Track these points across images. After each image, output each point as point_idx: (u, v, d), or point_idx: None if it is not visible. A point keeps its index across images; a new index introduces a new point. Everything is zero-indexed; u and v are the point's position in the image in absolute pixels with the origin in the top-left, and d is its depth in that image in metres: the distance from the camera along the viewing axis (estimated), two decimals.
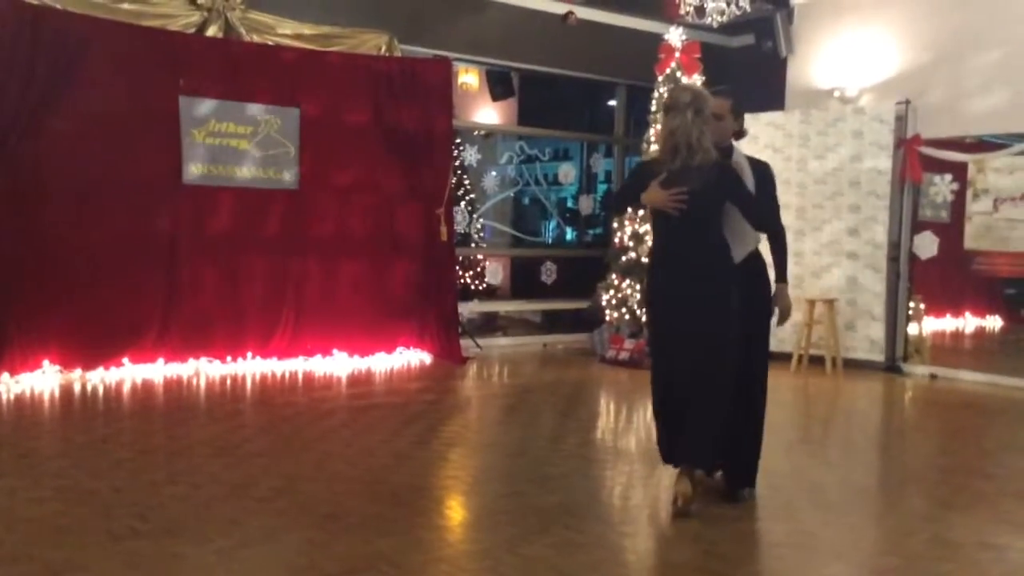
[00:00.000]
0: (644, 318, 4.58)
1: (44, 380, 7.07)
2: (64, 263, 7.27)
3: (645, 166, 4.63)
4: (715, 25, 8.30)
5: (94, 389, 7.02)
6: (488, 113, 13.09)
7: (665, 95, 4.38)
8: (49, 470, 4.83)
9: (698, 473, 4.36)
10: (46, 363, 7.18)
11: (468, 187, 12.55)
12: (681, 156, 4.32)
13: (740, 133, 4.79)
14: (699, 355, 4.32)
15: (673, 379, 4.44)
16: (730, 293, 4.38)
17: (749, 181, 4.58)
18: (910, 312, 9.07)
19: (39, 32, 7.05)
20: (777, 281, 4.67)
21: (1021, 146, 8.25)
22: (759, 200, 4.52)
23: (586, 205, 12.75)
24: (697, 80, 9.17)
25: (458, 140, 10.86)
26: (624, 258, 9.30)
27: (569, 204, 15.38)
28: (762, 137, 9.53)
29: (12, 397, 6.60)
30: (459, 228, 10.49)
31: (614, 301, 9.32)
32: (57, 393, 6.81)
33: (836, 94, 9.66)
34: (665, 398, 4.49)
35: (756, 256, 4.71)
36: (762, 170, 4.72)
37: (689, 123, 4.30)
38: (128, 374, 7.46)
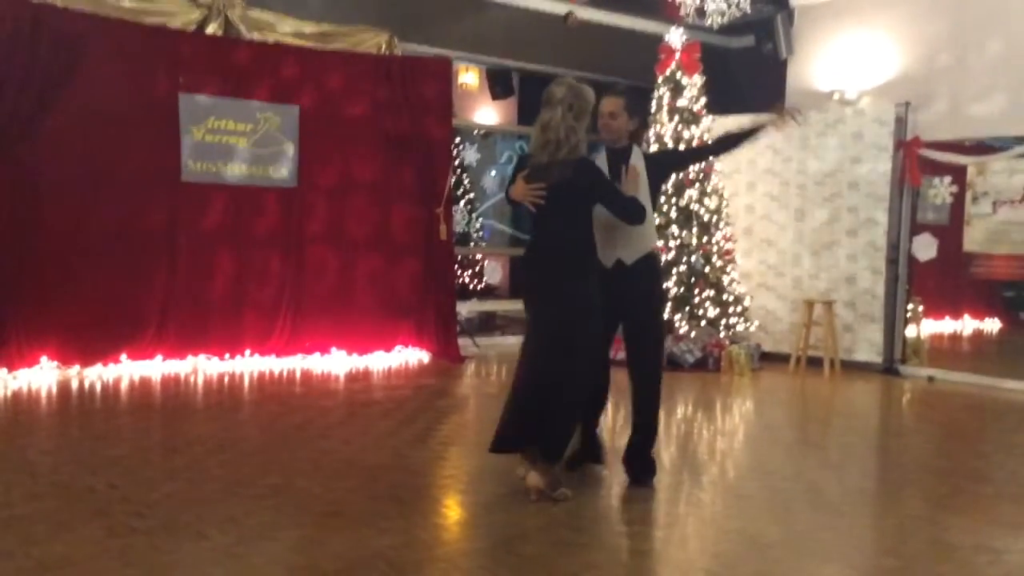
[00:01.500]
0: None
1: (42, 376, 7.06)
2: (63, 259, 7.26)
3: (523, 158, 4.71)
4: (715, 26, 8.31)
5: (92, 385, 7.01)
6: (488, 112, 13.09)
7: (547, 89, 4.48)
8: (46, 466, 4.83)
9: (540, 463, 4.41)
10: (44, 359, 7.17)
11: (467, 186, 12.55)
12: (549, 151, 4.37)
13: (637, 133, 4.83)
14: (549, 349, 4.38)
15: (527, 368, 4.49)
16: (580, 290, 4.40)
17: (644, 181, 4.63)
18: (908, 314, 9.07)
19: (39, 29, 7.03)
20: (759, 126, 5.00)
21: (1020, 149, 8.25)
22: (623, 195, 4.50)
23: None
24: (697, 81, 9.18)
25: (457, 139, 10.86)
26: None
27: None
28: (762, 138, 9.52)
29: (10, 393, 6.59)
30: (458, 227, 10.51)
31: None
32: (55, 389, 6.80)
33: (836, 96, 9.65)
34: (521, 388, 4.52)
35: (651, 256, 4.78)
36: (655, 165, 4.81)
37: (559, 118, 4.35)
38: (126, 371, 7.45)
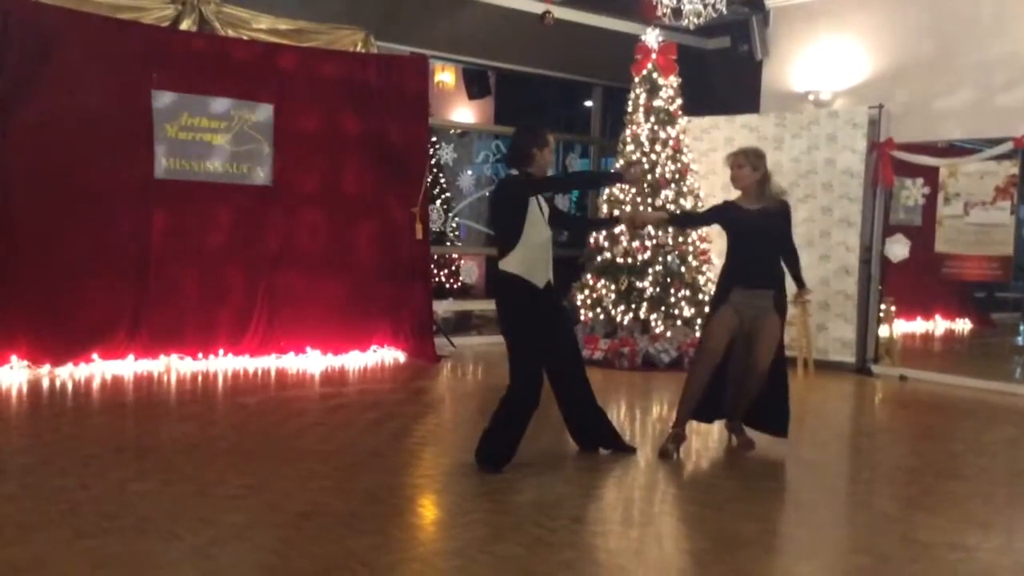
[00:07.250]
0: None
1: (12, 376, 6.97)
2: (33, 257, 7.16)
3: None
4: (691, 27, 8.33)
5: (63, 385, 6.93)
6: (464, 112, 13.09)
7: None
8: (16, 467, 4.76)
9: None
10: (14, 359, 7.08)
11: (444, 186, 12.53)
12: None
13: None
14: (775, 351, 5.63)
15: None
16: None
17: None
18: (881, 314, 9.15)
19: (10, 24, 6.95)
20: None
21: (992, 151, 8.35)
22: None
23: (561, 205, 12.75)
24: (673, 82, 9.22)
25: (434, 139, 10.83)
26: (599, 258, 9.32)
27: None
28: (737, 139, 9.58)
29: None
30: (434, 226, 10.47)
31: (589, 301, 9.33)
32: (25, 389, 6.71)
33: (810, 97, 9.72)
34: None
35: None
36: None
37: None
38: (98, 370, 7.37)
